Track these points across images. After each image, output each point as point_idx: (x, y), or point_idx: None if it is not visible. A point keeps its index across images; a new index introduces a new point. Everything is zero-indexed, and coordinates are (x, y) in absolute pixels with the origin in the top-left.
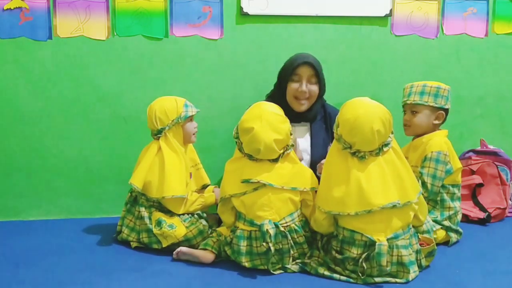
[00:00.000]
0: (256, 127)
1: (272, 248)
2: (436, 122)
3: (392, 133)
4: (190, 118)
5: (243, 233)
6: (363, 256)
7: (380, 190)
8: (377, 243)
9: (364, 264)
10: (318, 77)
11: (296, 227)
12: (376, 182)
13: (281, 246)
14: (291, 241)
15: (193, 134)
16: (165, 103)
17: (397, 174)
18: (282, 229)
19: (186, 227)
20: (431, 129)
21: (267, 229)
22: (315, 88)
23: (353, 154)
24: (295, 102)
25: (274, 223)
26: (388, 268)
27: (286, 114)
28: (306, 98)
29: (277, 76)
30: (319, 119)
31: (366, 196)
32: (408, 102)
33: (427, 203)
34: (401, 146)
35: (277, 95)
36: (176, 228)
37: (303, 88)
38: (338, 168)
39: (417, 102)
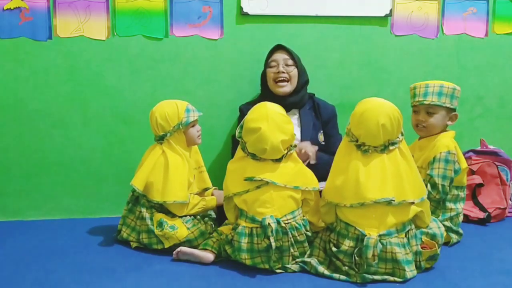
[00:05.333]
0: (264, 127)
1: (273, 244)
2: (450, 123)
3: (402, 134)
4: (193, 123)
5: (245, 230)
6: (356, 250)
7: (377, 185)
8: (365, 237)
9: (356, 258)
10: (294, 60)
11: (297, 225)
12: (375, 177)
13: (281, 244)
14: (292, 239)
15: (197, 137)
16: (166, 109)
17: (398, 174)
18: (283, 225)
19: (188, 228)
20: (444, 130)
21: (268, 223)
22: (292, 69)
23: (358, 147)
24: (275, 85)
25: (275, 218)
26: (374, 262)
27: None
28: (285, 80)
29: (260, 78)
30: (308, 108)
31: (361, 189)
32: (426, 102)
33: (429, 204)
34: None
35: (262, 91)
36: (178, 229)
37: (280, 68)
38: (342, 160)
39: (435, 103)
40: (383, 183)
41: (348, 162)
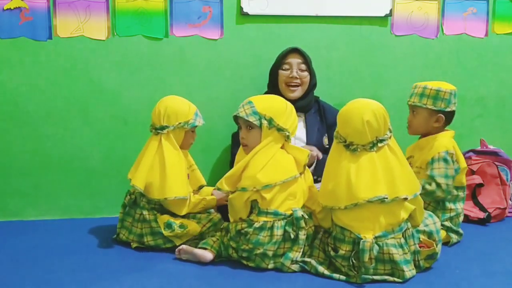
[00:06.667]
0: None
1: (300, 235)
2: (436, 125)
3: (390, 131)
4: (194, 129)
5: (266, 224)
6: (353, 253)
7: (368, 184)
8: (361, 240)
9: (354, 261)
10: (308, 65)
11: (306, 217)
12: (366, 176)
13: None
14: (306, 231)
15: (190, 143)
16: (178, 104)
17: (389, 171)
18: (306, 217)
19: (198, 222)
20: (432, 130)
21: (301, 215)
22: (305, 75)
23: (347, 147)
24: (287, 89)
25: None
26: (371, 265)
27: None
28: (298, 85)
29: (269, 75)
30: (314, 112)
31: (353, 189)
32: (409, 102)
33: (429, 204)
34: (405, 145)
35: (270, 89)
36: (188, 227)
37: (293, 74)
38: (333, 163)
39: (416, 104)
40: (375, 182)
41: (338, 164)
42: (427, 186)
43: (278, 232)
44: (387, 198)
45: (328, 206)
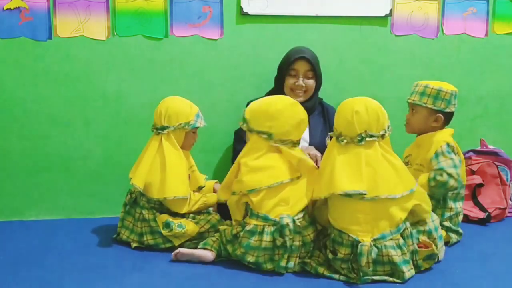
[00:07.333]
0: None
1: (288, 243)
2: (434, 124)
3: (385, 131)
4: (195, 130)
5: (257, 228)
6: (351, 256)
7: (350, 177)
8: (359, 244)
9: (353, 265)
10: (314, 71)
11: (306, 224)
12: (349, 168)
13: (292, 243)
14: (302, 239)
15: (191, 144)
16: (179, 104)
17: (373, 168)
18: (297, 223)
19: (196, 223)
20: (430, 130)
21: (287, 223)
22: (311, 82)
23: (337, 139)
24: (292, 94)
25: (291, 217)
26: (369, 269)
27: None
28: (303, 92)
29: (277, 70)
30: (317, 114)
31: (334, 179)
32: (409, 100)
33: None
34: (404, 145)
35: (276, 89)
36: (186, 227)
37: (299, 82)
38: (326, 155)
39: (416, 102)
40: (357, 176)
41: (329, 156)
42: (439, 177)
43: (267, 238)
44: (365, 194)
45: (313, 197)
